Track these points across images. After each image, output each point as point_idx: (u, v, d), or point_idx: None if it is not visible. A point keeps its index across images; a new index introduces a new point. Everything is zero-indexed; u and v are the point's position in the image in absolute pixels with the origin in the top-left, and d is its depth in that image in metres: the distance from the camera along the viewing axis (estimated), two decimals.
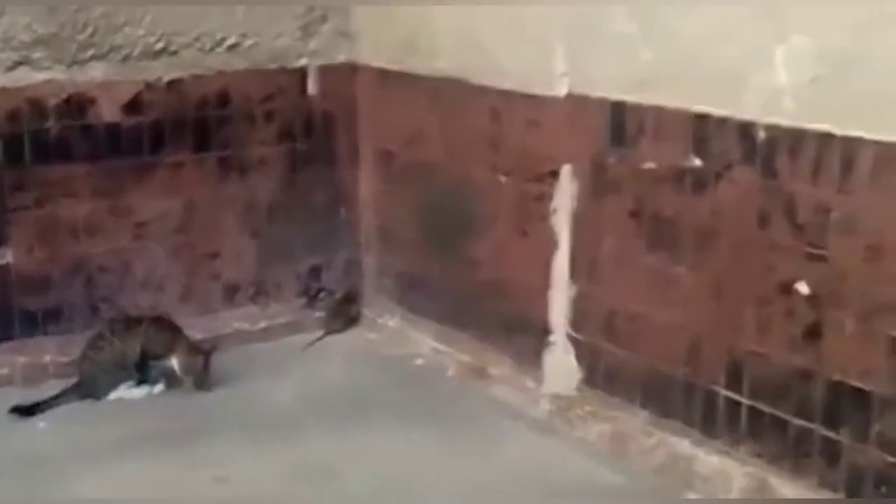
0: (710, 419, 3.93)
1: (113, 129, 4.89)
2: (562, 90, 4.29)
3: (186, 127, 5.05)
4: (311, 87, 5.29)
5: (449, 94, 4.81)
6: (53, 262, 4.87)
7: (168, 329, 4.73)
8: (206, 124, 5.09)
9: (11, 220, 4.75)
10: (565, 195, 4.36)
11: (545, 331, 4.50)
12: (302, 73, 5.26)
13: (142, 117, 4.94)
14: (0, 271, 4.77)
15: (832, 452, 3.55)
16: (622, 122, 4.09)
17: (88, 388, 4.64)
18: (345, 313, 5.41)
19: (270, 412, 4.60)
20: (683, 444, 4.01)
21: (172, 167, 5.05)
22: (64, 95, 4.76)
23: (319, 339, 5.28)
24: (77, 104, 4.80)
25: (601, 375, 4.33)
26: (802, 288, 3.57)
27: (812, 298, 3.55)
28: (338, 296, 5.46)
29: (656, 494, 3.96)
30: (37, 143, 4.74)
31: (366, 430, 4.42)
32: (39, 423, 4.48)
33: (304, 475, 4.07)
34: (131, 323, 4.74)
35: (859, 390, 3.45)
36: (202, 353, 4.71)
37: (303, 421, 4.51)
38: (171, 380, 4.73)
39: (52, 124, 4.76)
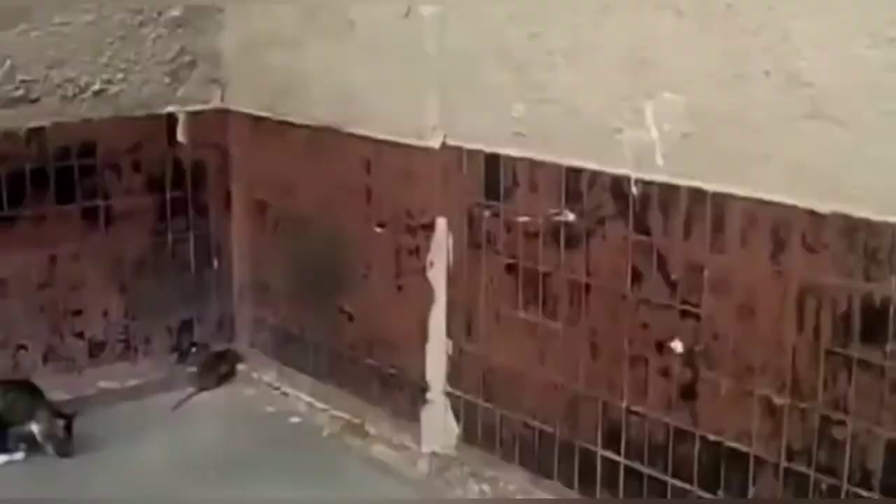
0: (588, 480, 3.89)
1: None
2: (436, 141, 4.24)
3: (48, 178, 4.88)
4: (181, 135, 5.17)
5: (323, 142, 4.74)
6: None
7: (27, 392, 4.56)
8: (70, 175, 4.93)
9: None
10: (441, 248, 4.30)
11: (422, 388, 4.43)
12: (171, 121, 5.14)
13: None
14: None
15: None
16: (497, 174, 4.05)
17: None
18: (217, 370, 5.28)
19: (138, 478, 4.44)
20: None
21: (33, 220, 4.88)
22: None
23: (190, 396, 5.14)
24: None
25: (480, 433, 4.28)
26: (677, 346, 3.55)
27: (687, 357, 3.53)
28: (210, 351, 5.33)
29: None
30: None
31: (240, 493, 4.29)
32: None
33: None
34: None
35: (735, 451, 3.43)
36: (64, 417, 4.54)
37: (170, 487, 4.37)
38: (32, 446, 4.55)
39: None
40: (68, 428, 4.53)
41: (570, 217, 3.82)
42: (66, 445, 4.53)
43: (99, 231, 5.05)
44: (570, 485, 3.95)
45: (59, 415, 4.55)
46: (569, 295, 3.87)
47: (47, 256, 4.95)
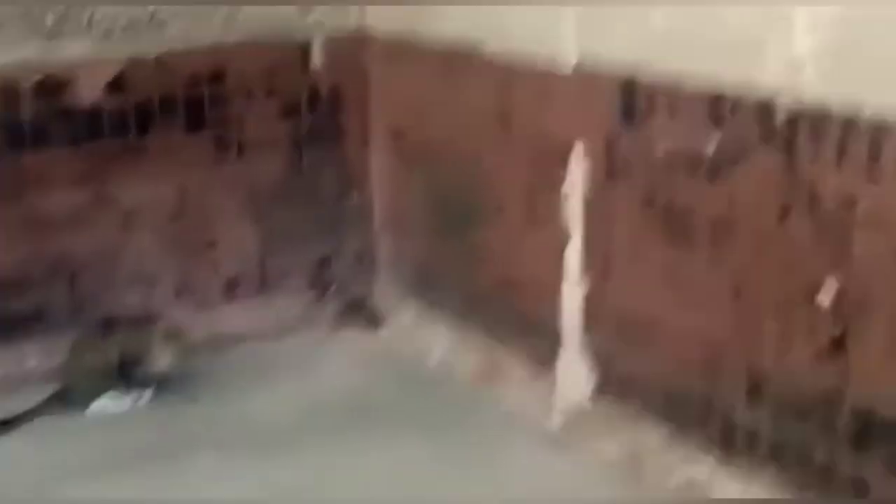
0: (729, 439, 3.54)
1: (95, 111, 4.60)
2: (571, 64, 3.90)
3: (177, 105, 4.74)
4: (317, 60, 4.95)
5: (458, 66, 4.44)
6: (32, 259, 4.60)
7: (146, 326, 4.45)
8: (200, 102, 4.78)
9: None
10: (576, 180, 3.97)
11: (557, 333, 4.13)
12: (305, 45, 4.92)
13: (127, 96, 4.64)
14: None
15: (859, 484, 3.13)
16: (634, 99, 3.69)
17: (70, 397, 4.38)
18: (360, 313, 5.07)
19: (264, 423, 4.29)
20: (702, 467, 3.62)
21: (163, 149, 4.75)
22: (38, 77, 4.48)
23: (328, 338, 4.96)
24: (54, 85, 4.51)
25: (615, 384, 3.95)
26: (828, 291, 3.14)
27: (837, 303, 3.12)
28: (352, 294, 5.13)
29: None
30: (9, 129, 4.47)
31: (365, 445, 4.09)
32: (9, 440, 4.23)
33: (287, 499, 3.76)
34: (110, 324, 4.48)
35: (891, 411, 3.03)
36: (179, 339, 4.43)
37: (297, 434, 4.21)
38: (159, 385, 4.44)
39: (26, 108, 4.48)
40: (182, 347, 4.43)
41: (713, 145, 3.43)
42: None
43: (231, 161, 4.89)
44: (709, 444, 3.60)
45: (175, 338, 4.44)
46: (710, 232, 3.49)
47: (178, 187, 4.81)
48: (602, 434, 3.96)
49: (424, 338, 4.86)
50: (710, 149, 3.43)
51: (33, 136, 4.52)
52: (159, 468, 3.98)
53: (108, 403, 4.43)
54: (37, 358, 4.61)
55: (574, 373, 4.08)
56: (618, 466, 3.86)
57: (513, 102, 4.20)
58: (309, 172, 5.03)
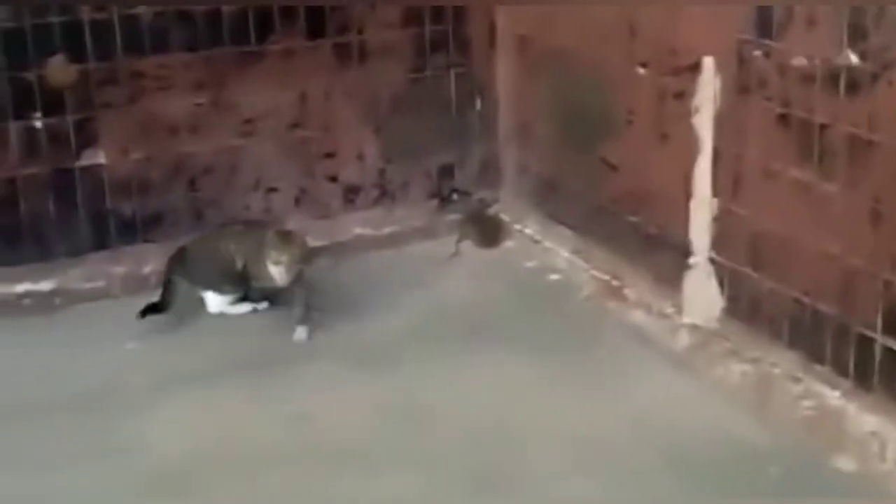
0: (865, 369, 3.39)
1: (213, 15, 4.57)
2: None
3: (297, 10, 4.68)
4: None
5: None
6: (151, 163, 4.63)
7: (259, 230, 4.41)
8: (320, 7, 4.71)
9: (101, 117, 4.50)
10: (707, 93, 3.82)
11: (685, 251, 4.01)
12: None
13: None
14: (91, 173, 4.55)
15: None
16: (769, 8, 3.51)
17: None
18: (483, 226, 5.01)
19: (378, 337, 4.28)
20: (834, 397, 3.49)
21: (282, 56, 4.70)
22: None
23: (457, 252, 4.92)
24: None
25: (745, 307, 3.82)
26: None
27: None
28: (477, 206, 5.07)
29: (800, 460, 3.46)
30: (128, 31, 4.46)
31: (481, 362, 4.06)
32: (128, 343, 4.29)
33: (397, 416, 3.74)
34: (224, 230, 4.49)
35: None
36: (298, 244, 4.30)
37: (411, 348, 4.18)
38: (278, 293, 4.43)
39: (144, 10, 4.47)
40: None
41: (853, 59, 3.25)
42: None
43: (352, 68, 4.82)
44: (843, 373, 3.46)
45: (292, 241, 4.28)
46: (848, 152, 3.33)
47: (297, 94, 4.77)
48: (729, 358, 3.85)
49: (547, 251, 4.77)
50: (849, 63, 3.25)
51: (152, 40, 4.50)
52: (269, 375, 4.00)
53: (227, 306, 4.45)
54: (155, 261, 4.64)
55: (701, 292, 3.96)
56: (744, 392, 3.76)
57: (642, 11, 4.04)
58: (431, 80, 4.94)
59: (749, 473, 3.39)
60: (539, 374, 3.97)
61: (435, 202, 5.08)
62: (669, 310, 4.11)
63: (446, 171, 5.07)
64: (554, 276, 4.69)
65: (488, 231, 5.02)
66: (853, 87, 3.27)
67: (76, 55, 4.42)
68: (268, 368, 4.07)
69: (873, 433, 3.35)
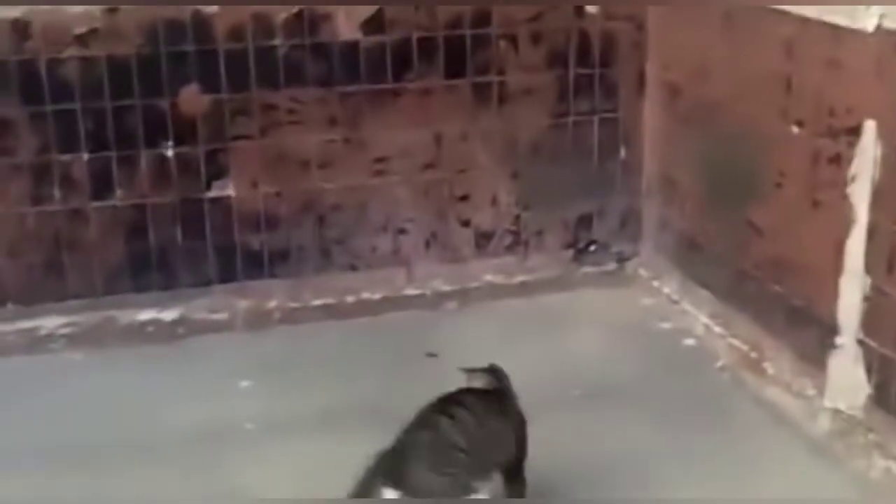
0: None
1: (350, 50, 4.36)
2: (870, 22, 3.36)
3: (437, 48, 4.44)
4: (590, 5, 4.54)
5: (742, 19, 3.96)
6: (281, 197, 4.44)
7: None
8: (461, 46, 4.46)
9: (232, 149, 4.34)
10: (867, 159, 3.44)
11: (832, 329, 3.63)
12: None
13: (384, 36, 4.38)
14: (220, 205, 4.39)
15: None
16: None
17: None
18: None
19: None
20: None
21: (419, 94, 4.47)
22: (294, 10, 4.27)
23: None
24: (309, 20, 4.30)
25: (895, 396, 3.43)
26: None
27: None
28: (614, 260, 4.79)
29: None
30: (263, 63, 4.29)
31: (603, 428, 3.76)
32: (242, 382, 4.11)
33: None
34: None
35: None
36: None
37: (528, 403, 3.84)
38: None
39: (280, 43, 4.29)
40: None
41: None
42: None
43: (491, 109, 4.56)
44: None
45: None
46: None
47: (433, 135, 4.54)
48: (872, 450, 3.46)
49: (684, 313, 4.43)
50: None
51: (287, 72, 4.33)
52: (390, 426, 3.73)
53: None
54: (281, 296, 4.50)
55: (847, 375, 3.58)
56: (887, 489, 3.37)
57: (800, 66, 3.69)
58: (574, 125, 4.65)
59: None
60: (664, 448, 3.66)
61: (570, 253, 4.76)
62: (811, 391, 3.74)
63: (584, 222, 4.76)
64: (689, 341, 4.36)
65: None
66: None
67: (210, 85, 4.25)
68: (382, 418, 3.79)
69: None
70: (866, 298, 3.48)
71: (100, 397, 4.02)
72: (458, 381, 3.90)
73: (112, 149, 4.25)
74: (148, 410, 3.92)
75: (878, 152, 3.39)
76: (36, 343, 4.32)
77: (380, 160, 4.50)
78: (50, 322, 4.36)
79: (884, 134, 3.37)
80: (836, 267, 3.57)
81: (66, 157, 4.23)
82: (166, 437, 3.73)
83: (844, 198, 3.52)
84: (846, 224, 3.52)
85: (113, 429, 3.81)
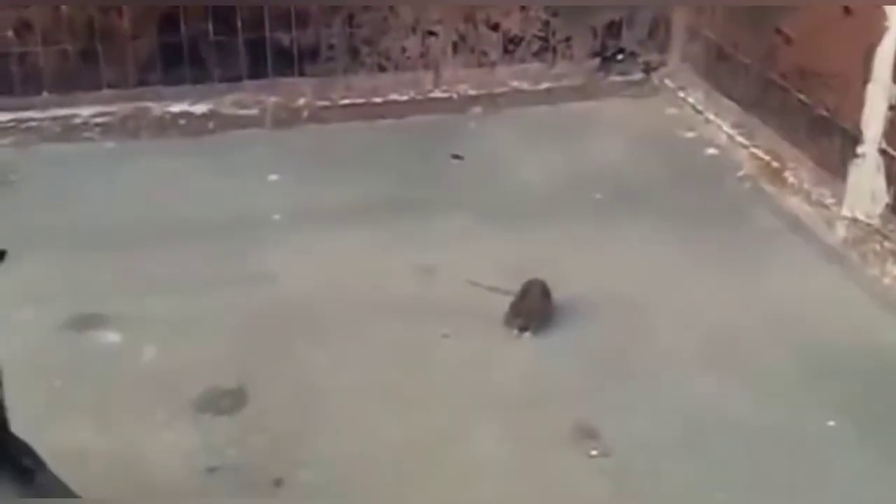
0: None
1: None
2: None
3: None
4: None
5: None
6: None
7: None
8: None
9: None
10: None
11: (854, 138, 3.48)
12: None
13: None
14: None
15: None
16: None
17: None
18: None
19: (519, 194, 3.91)
20: None
21: None
22: None
23: None
24: None
25: None
26: None
27: None
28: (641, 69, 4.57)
29: None
30: None
31: (621, 233, 3.67)
32: (270, 175, 4.02)
33: (519, 276, 3.26)
34: None
35: None
36: None
37: (552, 210, 3.81)
38: None
39: None
40: None
41: None
42: None
43: None
44: None
45: None
46: None
47: None
48: (887, 258, 3.35)
49: (708, 122, 4.28)
50: None
51: None
52: (404, 220, 3.66)
53: None
54: (310, 94, 4.37)
55: (867, 185, 3.45)
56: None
57: None
58: None
59: (892, 388, 2.92)
60: (681, 253, 3.55)
61: (597, 61, 4.59)
62: (829, 200, 3.61)
63: (613, 30, 4.57)
64: (712, 150, 4.22)
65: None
66: None
67: None
68: (404, 213, 3.72)
69: None
70: (892, 107, 3.32)
71: (132, 184, 3.96)
72: (478, 182, 3.85)
73: None
74: (179, 198, 3.85)
75: None
76: (70, 130, 4.22)
77: None
78: (84, 111, 4.24)
79: None
80: (864, 75, 3.41)
81: None
82: (196, 224, 3.67)
83: (877, 5, 3.33)
84: (878, 32, 3.34)
85: (144, 213, 3.75)
